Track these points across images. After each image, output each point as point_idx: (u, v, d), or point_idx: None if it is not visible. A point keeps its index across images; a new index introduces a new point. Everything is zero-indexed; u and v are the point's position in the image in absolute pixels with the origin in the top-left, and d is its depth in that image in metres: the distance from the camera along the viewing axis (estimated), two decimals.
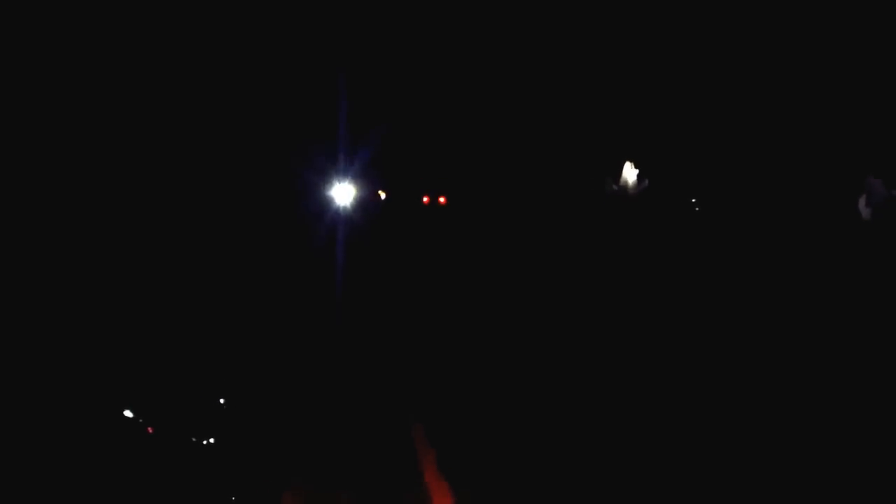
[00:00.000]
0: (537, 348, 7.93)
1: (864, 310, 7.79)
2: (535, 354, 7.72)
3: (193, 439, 4.04)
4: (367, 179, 20.95)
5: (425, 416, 5.81)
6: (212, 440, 3.98)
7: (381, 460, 4.96)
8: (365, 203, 20.90)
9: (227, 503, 3.97)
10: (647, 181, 16.40)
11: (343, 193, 19.62)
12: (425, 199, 25.18)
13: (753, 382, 6.36)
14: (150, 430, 3.87)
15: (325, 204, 19.09)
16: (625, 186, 16.69)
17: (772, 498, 4.42)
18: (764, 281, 10.22)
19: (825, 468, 4.61)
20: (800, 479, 4.55)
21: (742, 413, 5.63)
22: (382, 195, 24.22)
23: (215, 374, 5.07)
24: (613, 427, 5.44)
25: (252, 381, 5.69)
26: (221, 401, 4.47)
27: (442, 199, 25.16)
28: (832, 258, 10.06)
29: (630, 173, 16.60)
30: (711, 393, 6.17)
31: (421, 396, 6.35)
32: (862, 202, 10.57)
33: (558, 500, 4.49)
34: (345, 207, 19.46)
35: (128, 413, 3.62)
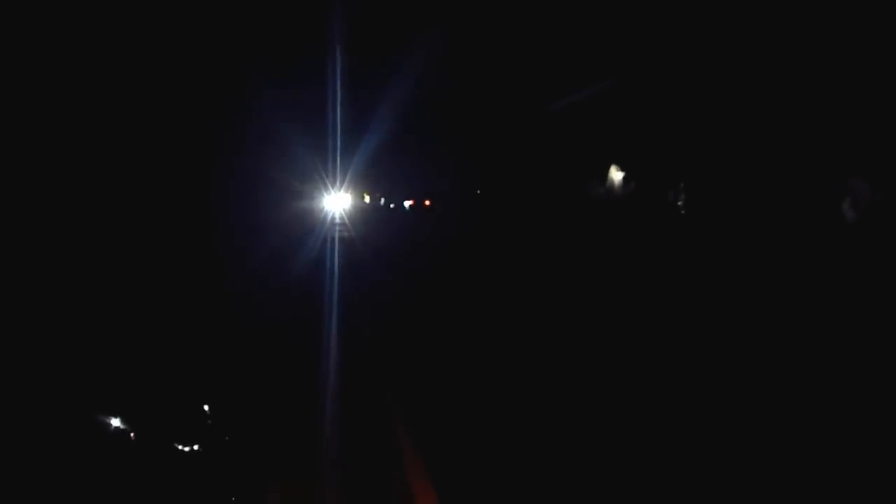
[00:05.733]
0: (525, 349, 7.92)
1: (850, 312, 7.83)
2: (522, 355, 7.71)
3: (177, 446, 3.96)
4: (358, 184, 21.28)
5: (410, 414, 5.77)
6: (195, 447, 3.91)
7: (364, 460, 4.92)
8: (356, 206, 21.17)
9: None
10: (633, 184, 16.45)
11: (335, 199, 20.22)
12: (411, 202, 25.29)
13: (739, 384, 6.37)
14: (133, 437, 3.79)
15: (317, 207, 19.42)
16: (611, 189, 16.74)
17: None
18: (749, 283, 10.24)
19: (802, 477, 4.62)
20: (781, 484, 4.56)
21: (723, 418, 5.63)
22: (367, 198, 24.30)
23: (199, 378, 5.00)
24: (600, 431, 5.42)
25: (236, 382, 5.62)
26: (206, 407, 4.39)
27: (427, 202, 25.23)
28: (817, 260, 10.10)
29: (616, 176, 16.66)
30: (699, 391, 6.18)
31: (406, 394, 6.32)
32: (846, 204, 10.62)
33: (544, 499, 4.46)
34: (340, 213, 19.93)
35: (111, 420, 3.54)
